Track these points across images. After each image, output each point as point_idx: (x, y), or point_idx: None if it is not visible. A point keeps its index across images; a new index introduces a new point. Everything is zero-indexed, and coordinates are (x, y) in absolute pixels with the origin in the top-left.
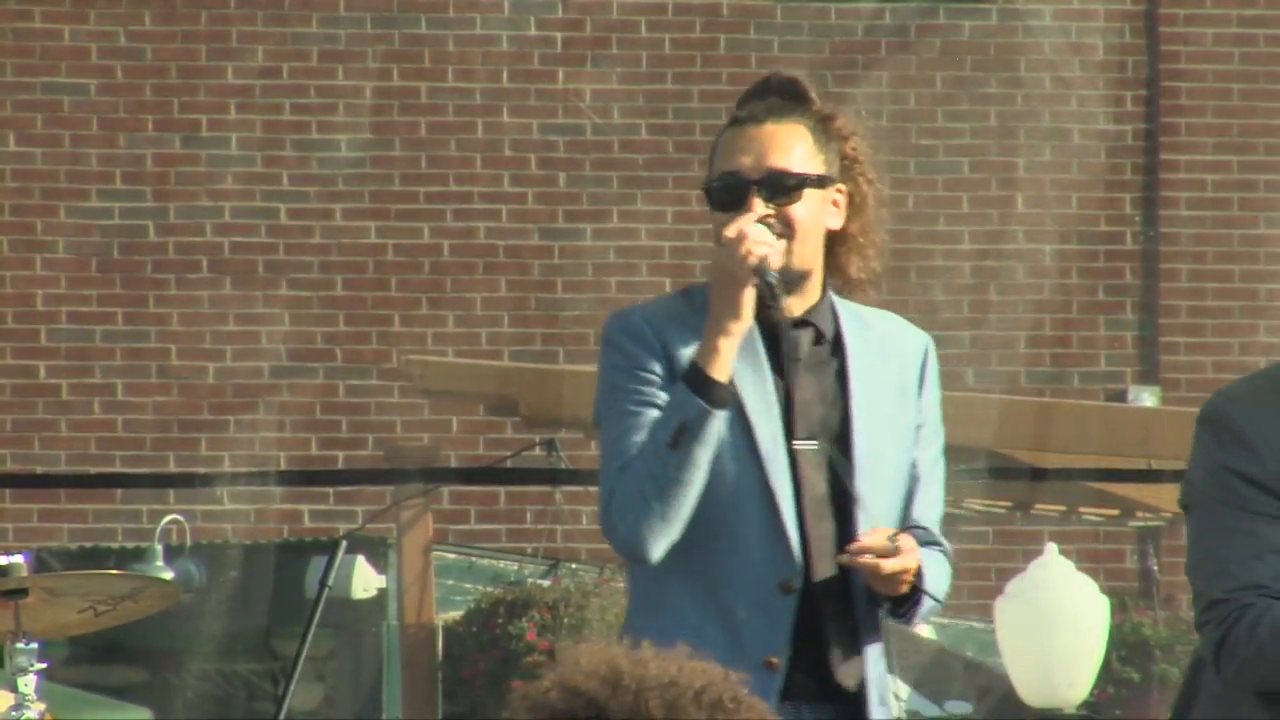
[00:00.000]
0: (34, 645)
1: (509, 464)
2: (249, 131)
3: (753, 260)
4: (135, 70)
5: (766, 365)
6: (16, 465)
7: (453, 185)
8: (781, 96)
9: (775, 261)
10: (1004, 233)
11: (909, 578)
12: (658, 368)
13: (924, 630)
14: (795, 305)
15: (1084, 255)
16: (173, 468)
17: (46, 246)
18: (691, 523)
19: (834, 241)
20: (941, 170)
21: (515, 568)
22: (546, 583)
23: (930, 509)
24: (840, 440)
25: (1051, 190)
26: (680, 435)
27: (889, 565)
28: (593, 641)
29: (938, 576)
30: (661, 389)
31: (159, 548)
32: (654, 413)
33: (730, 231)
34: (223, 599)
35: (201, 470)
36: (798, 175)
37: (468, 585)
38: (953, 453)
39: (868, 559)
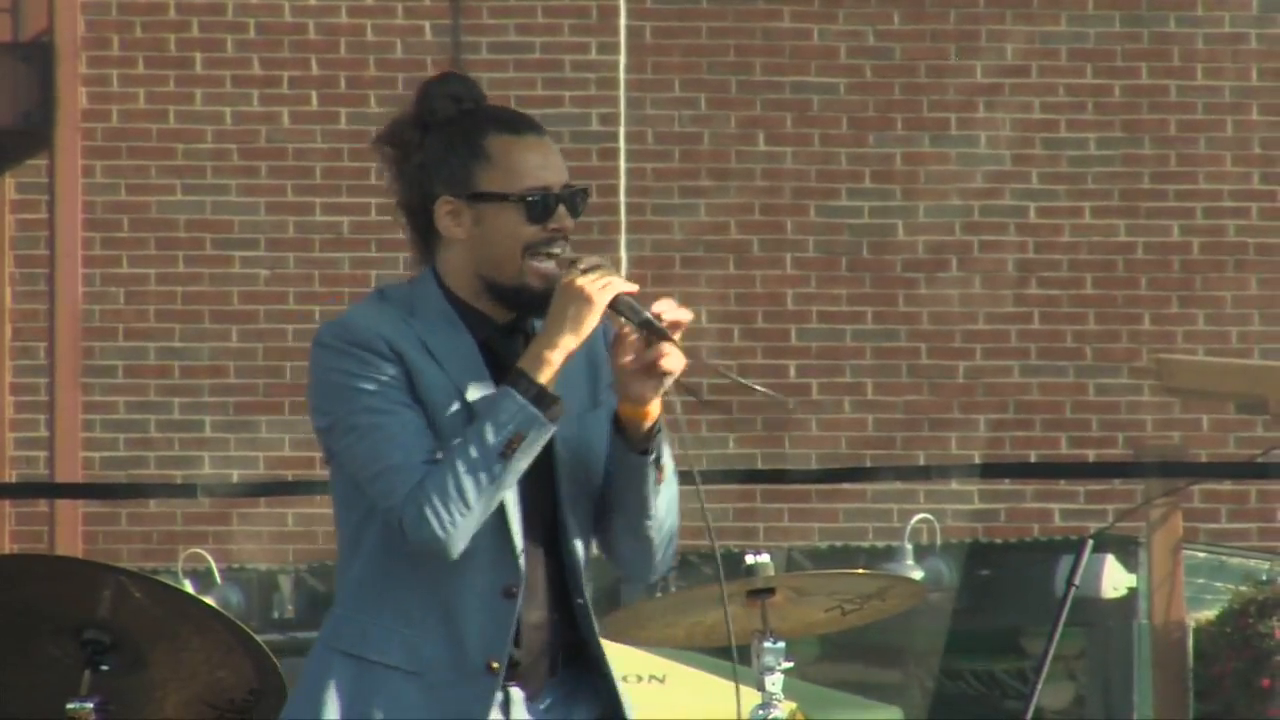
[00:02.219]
0: (781, 644)
1: (1259, 461)
2: (998, 130)
3: (609, 291)
4: (884, 69)
5: (487, 373)
6: (767, 465)
7: (1202, 183)
8: (460, 101)
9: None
10: None
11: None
12: (394, 371)
13: None
14: (505, 312)
15: None
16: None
17: (797, 246)
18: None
19: None
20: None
21: (1267, 566)
22: None
23: None
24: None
25: None
26: (513, 444)
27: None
28: None
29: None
30: (401, 390)
31: (909, 546)
32: (409, 413)
33: (589, 264)
34: (972, 597)
35: (942, 465)
36: (585, 191)
37: (1218, 584)
38: None
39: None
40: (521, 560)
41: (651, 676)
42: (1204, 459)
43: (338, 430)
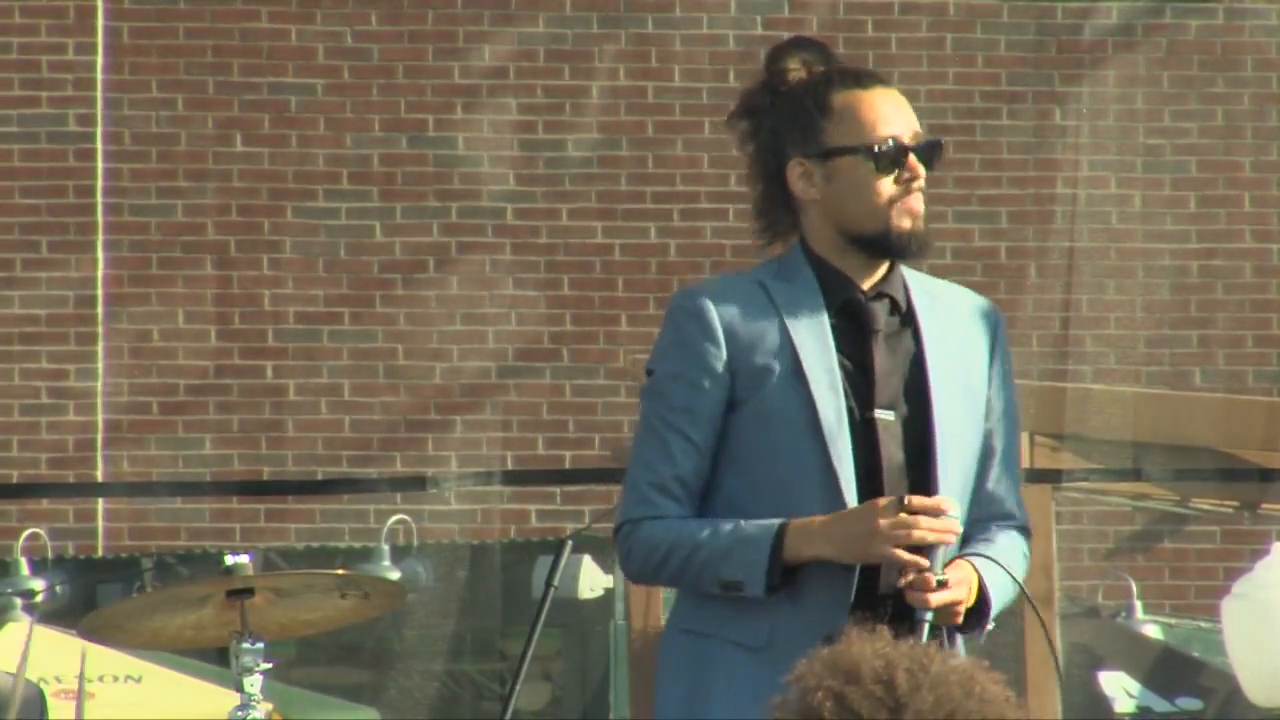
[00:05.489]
0: (260, 645)
1: None
2: (475, 131)
3: (899, 562)
4: (361, 70)
5: (831, 339)
6: (244, 466)
7: (680, 185)
8: (810, 65)
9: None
10: (1231, 232)
11: (961, 608)
12: (710, 354)
13: (1150, 630)
14: (871, 277)
15: None
16: (399, 468)
17: (274, 247)
18: (753, 503)
19: None
20: (1168, 169)
21: None
22: None
23: (1006, 483)
24: (919, 410)
25: (1279, 190)
26: (730, 587)
27: (936, 600)
28: (869, 637)
29: (1002, 581)
30: (712, 390)
31: (385, 548)
32: (697, 435)
33: (919, 508)
34: (449, 599)
35: (429, 471)
36: (938, 142)
37: None
38: (1180, 452)
39: (916, 595)
40: None
41: (128, 677)
42: None
43: (644, 401)
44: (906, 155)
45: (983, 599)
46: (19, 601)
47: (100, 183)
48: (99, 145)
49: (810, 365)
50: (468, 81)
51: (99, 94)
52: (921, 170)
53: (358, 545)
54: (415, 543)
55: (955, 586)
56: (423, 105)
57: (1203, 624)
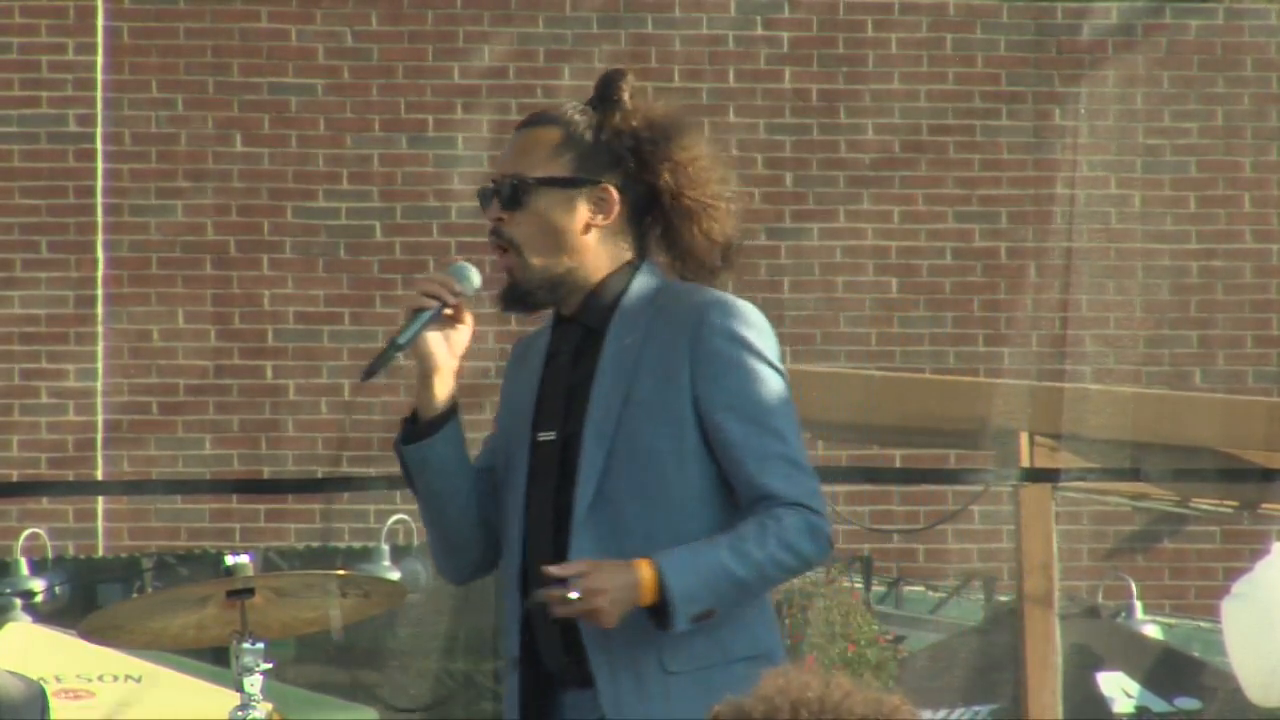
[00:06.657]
0: (260, 645)
1: None
2: (475, 131)
3: (417, 304)
4: (362, 70)
5: (539, 366)
6: (244, 466)
7: None
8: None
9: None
10: (1231, 232)
11: (603, 614)
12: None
13: (1150, 630)
14: (566, 304)
15: None
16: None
17: (274, 247)
18: None
19: (660, 226)
20: (1168, 170)
21: None
22: None
23: (753, 465)
24: (579, 427)
25: (1279, 190)
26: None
27: (563, 613)
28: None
29: (704, 576)
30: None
31: (385, 548)
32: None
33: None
34: (447, 598)
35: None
36: (525, 180)
37: None
38: (1179, 452)
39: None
40: (515, 550)
41: (128, 677)
42: None
43: None
44: (489, 196)
45: (665, 598)
46: (19, 601)
47: (100, 183)
48: (99, 145)
49: (511, 395)
50: (468, 81)
51: (99, 94)
52: (492, 213)
53: (358, 545)
54: (415, 542)
55: (589, 595)
56: (423, 105)
57: (1203, 624)
